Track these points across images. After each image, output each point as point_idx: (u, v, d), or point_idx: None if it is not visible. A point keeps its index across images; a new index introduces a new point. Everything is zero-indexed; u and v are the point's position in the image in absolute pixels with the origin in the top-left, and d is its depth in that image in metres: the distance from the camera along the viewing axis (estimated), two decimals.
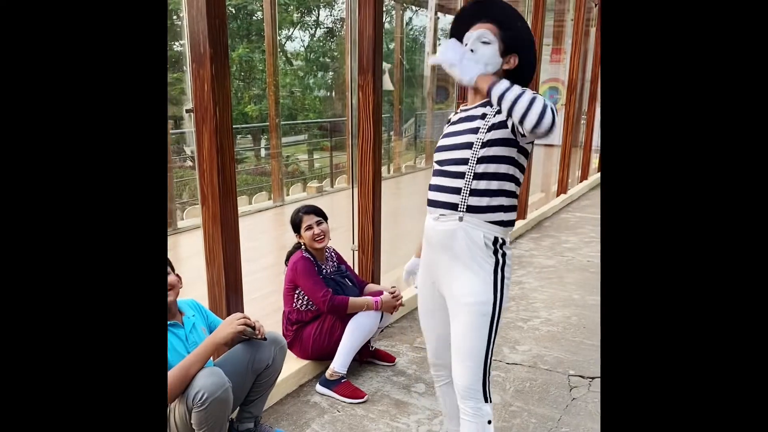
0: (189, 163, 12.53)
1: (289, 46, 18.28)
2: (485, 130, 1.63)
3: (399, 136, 11.49)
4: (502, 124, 1.61)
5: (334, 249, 2.98)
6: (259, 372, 2.17)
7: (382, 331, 3.00)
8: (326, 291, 2.69)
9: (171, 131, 7.10)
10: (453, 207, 1.67)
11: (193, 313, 2.15)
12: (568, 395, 2.68)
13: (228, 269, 2.29)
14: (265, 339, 2.11)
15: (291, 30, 17.90)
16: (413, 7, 13.93)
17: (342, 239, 3.47)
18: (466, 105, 1.78)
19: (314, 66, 18.30)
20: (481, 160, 1.63)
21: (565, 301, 3.94)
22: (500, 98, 1.50)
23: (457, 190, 1.66)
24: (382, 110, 3.21)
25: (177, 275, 2.05)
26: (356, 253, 3.49)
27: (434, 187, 1.74)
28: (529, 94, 1.48)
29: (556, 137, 8.21)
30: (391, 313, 2.89)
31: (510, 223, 1.71)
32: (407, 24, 15.63)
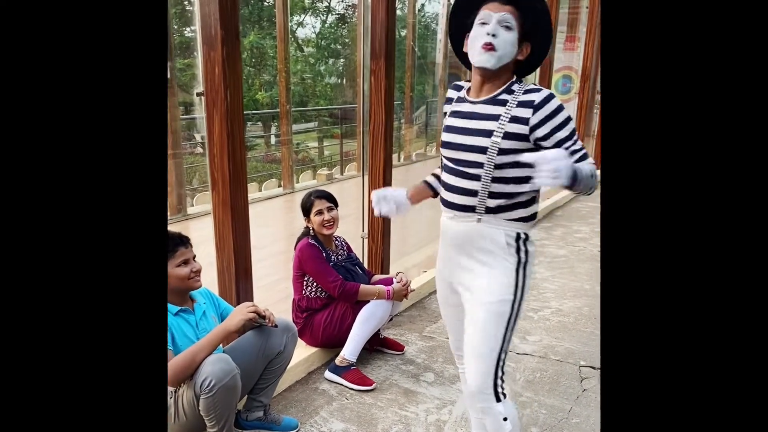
0: (199, 149, 12.57)
1: (300, 33, 18.21)
2: (500, 136, 1.53)
3: (410, 123, 11.43)
4: (517, 136, 1.52)
5: (344, 239, 2.96)
6: (270, 359, 2.16)
7: (391, 319, 2.98)
8: (336, 276, 2.67)
9: (181, 117, 7.10)
10: (470, 209, 1.62)
11: (204, 301, 2.14)
12: (579, 386, 2.66)
13: (238, 255, 2.28)
14: (276, 326, 2.10)
15: (302, 16, 17.82)
16: None
17: (351, 227, 3.45)
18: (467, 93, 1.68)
19: (325, 53, 18.22)
20: (499, 166, 1.55)
21: (577, 291, 3.91)
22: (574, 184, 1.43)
23: (473, 193, 1.60)
24: (394, 96, 3.18)
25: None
26: (366, 240, 3.48)
27: (448, 187, 1.66)
28: (588, 168, 1.46)
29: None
30: (401, 301, 2.87)
31: (531, 218, 1.64)
32: (419, 11, 15.49)
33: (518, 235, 1.61)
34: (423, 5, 16.37)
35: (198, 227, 6.07)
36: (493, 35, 1.51)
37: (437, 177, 1.83)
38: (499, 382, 1.67)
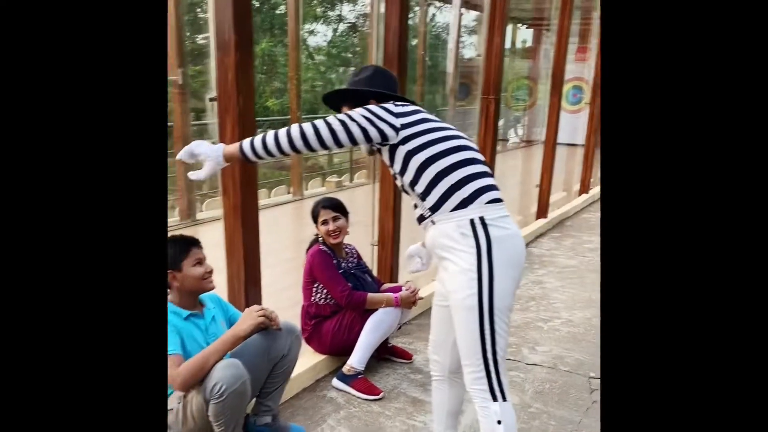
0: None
1: (311, 41, 18.30)
2: (387, 158, 1.75)
3: None
4: (380, 145, 1.72)
5: (354, 246, 2.95)
6: (275, 362, 2.16)
7: (400, 327, 2.97)
8: (345, 286, 2.67)
9: (192, 123, 7.14)
10: (422, 218, 1.74)
11: (214, 306, 2.14)
12: (589, 398, 2.63)
13: (248, 262, 2.27)
14: (280, 329, 2.10)
15: (314, 24, 17.91)
16: (437, 3, 13.86)
17: (360, 235, 3.45)
18: None
19: (336, 61, 18.29)
20: (399, 174, 1.73)
21: (587, 301, 3.88)
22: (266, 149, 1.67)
23: (415, 206, 1.77)
24: (407, 97, 3.17)
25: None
26: (375, 248, 3.47)
27: None
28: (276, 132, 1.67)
29: (580, 136, 8.11)
30: (410, 309, 2.86)
31: (471, 199, 1.64)
32: (430, 20, 15.54)
33: (471, 221, 1.62)
34: (434, 15, 16.43)
35: (207, 233, 6.08)
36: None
37: None
38: (494, 379, 1.64)
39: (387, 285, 2.98)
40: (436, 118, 1.77)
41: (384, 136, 1.68)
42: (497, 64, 4.21)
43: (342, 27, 18.78)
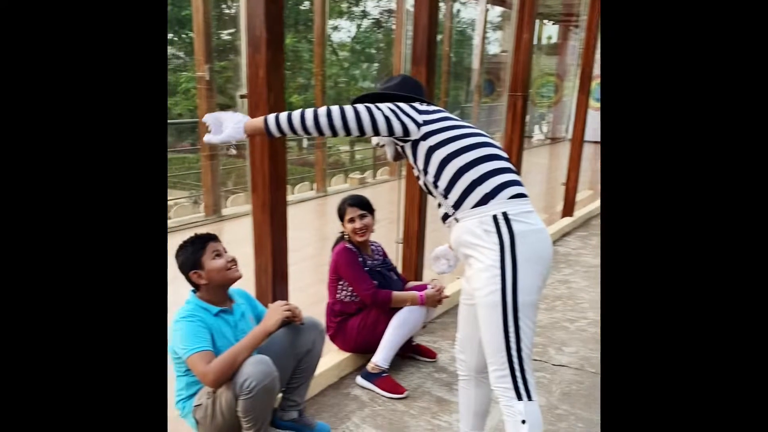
0: (233, 151, 12.71)
1: (335, 37, 18.32)
2: (410, 155, 1.76)
3: None
4: (403, 141, 1.74)
5: (379, 244, 2.94)
6: (299, 357, 2.16)
7: (425, 326, 2.95)
8: (370, 284, 2.66)
9: None
10: (447, 217, 1.74)
11: (242, 302, 2.15)
12: None
13: (276, 258, 2.28)
14: (302, 323, 2.10)
15: (338, 20, 17.93)
16: None
17: (384, 232, 3.44)
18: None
19: (360, 57, 18.30)
20: (422, 172, 1.74)
21: None
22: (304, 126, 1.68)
23: (439, 205, 1.76)
24: (433, 101, 3.15)
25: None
26: (400, 246, 3.45)
27: None
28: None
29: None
30: (435, 307, 2.85)
31: (493, 194, 1.63)
32: (455, 16, 15.45)
33: (494, 217, 1.60)
34: (459, 11, 16.34)
35: (232, 229, 6.13)
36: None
37: None
38: (519, 377, 1.62)
39: (412, 283, 2.97)
40: (458, 118, 1.78)
41: (406, 131, 1.69)
42: (525, 61, 4.17)
43: (366, 23, 18.77)
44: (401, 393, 2.59)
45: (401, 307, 2.70)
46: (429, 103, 1.84)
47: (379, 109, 1.68)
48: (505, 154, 1.74)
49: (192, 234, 2.07)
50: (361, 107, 1.67)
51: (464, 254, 1.70)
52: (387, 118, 1.67)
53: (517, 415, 1.62)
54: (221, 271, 2.01)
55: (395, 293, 2.70)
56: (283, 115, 1.69)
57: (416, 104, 1.75)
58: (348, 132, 1.67)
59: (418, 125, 1.69)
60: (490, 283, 1.59)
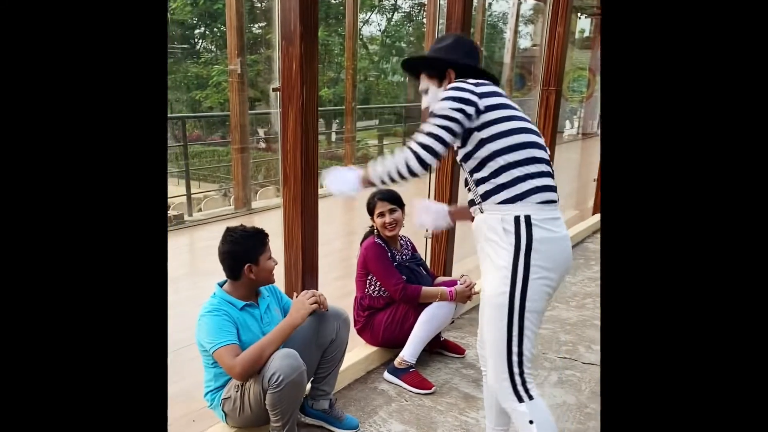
0: (262, 144, 12.80)
1: (365, 30, 18.31)
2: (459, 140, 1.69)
3: None
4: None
5: (408, 238, 2.93)
6: (324, 348, 2.17)
7: (452, 322, 2.93)
8: (399, 279, 2.65)
9: (249, 112, 7.25)
10: (472, 203, 1.72)
11: (268, 295, 2.16)
12: None
13: (306, 252, 2.28)
14: (326, 310, 2.10)
15: (369, 14, 17.92)
16: None
17: (413, 226, 3.42)
18: None
19: (391, 50, 18.27)
20: (465, 157, 1.68)
21: None
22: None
23: (468, 188, 1.74)
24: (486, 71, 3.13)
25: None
26: (429, 241, 3.44)
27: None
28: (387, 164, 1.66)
29: None
30: (465, 303, 2.83)
31: (521, 197, 1.59)
32: (487, 9, 15.31)
33: (516, 218, 1.58)
34: (491, 4, 16.18)
35: (261, 222, 6.17)
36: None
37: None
38: (518, 380, 1.61)
39: (441, 278, 2.95)
40: (513, 104, 1.70)
41: (470, 118, 1.61)
42: (559, 55, 4.11)
43: (397, 16, 18.72)
44: (429, 389, 2.59)
45: (430, 303, 2.69)
46: (485, 74, 1.78)
47: (441, 127, 1.60)
48: (547, 155, 1.71)
49: (251, 226, 2.07)
50: (425, 139, 1.60)
51: (480, 246, 1.70)
52: (451, 131, 1.60)
53: (524, 416, 1.62)
54: (269, 273, 2.03)
55: (424, 288, 2.69)
56: (379, 173, 1.68)
57: (472, 84, 1.64)
58: (437, 161, 1.64)
59: (479, 112, 1.61)
60: (499, 284, 1.59)
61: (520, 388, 1.61)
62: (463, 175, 1.77)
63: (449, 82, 1.74)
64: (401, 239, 2.86)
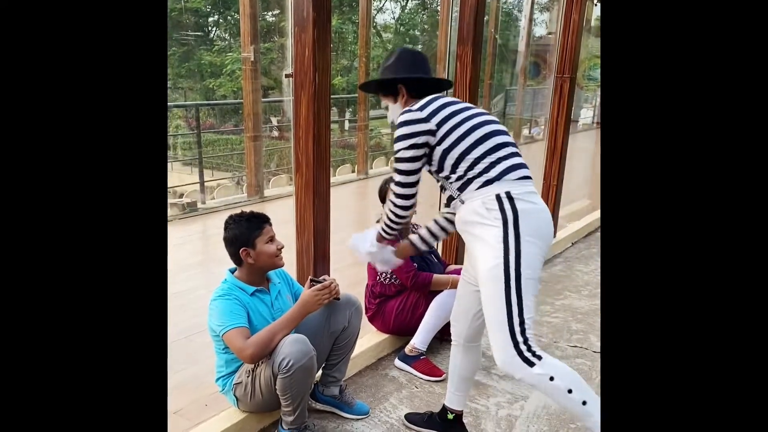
0: (275, 132, 12.82)
1: (379, 18, 18.22)
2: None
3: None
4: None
5: (421, 225, 2.93)
6: (336, 335, 2.18)
7: None
8: (411, 266, 2.66)
9: (262, 100, 7.25)
10: (452, 199, 1.78)
11: (279, 281, 2.17)
12: None
13: (318, 238, 2.29)
14: (338, 299, 2.11)
15: (383, 1, 17.81)
16: None
17: (425, 214, 3.41)
18: None
19: (405, 38, 18.16)
20: (435, 173, 1.80)
21: None
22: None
23: (442, 188, 1.83)
24: (478, 82, 3.11)
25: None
26: None
27: None
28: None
29: None
30: None
31: (498, 177, 1.67)
32: None
33: (498, 195, 1.64)
34: None
35: (274, 210, 6.20)
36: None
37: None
38: (523, 348, 1.62)
39: (452, 266, 2.95)
40: (462, 104, 1.79)
41: (427, 143, 1.74)
42: (574, 42, 4.06)
43: (411, 4, 18.59)
44: (439, 376, 2.60)
45: (441, 290, 2.69)
46: (429, 81, 1.92)
47: (402, 160, 1.74)
48: (511, 139, 1.78)
49: (248, 210, 2.08)
50: (396, 189, 1.79)
51: (469, 233, 1.74)
52: (413, 171, 1.75)
53: (543, 377, 1.62)
54: (271, 257, 2.03)
55: (435, 276, 2.70)
56: (383, 228, 1.96)
57: (416, 112, 1.74)
58: (413, 191, 1.80)
59: (434, 133, 1.73)
60: (493, 257, 1.63)
61: (527, 354, 1.62)
62: (438, 182, 1.85)
63: (403, 96, 1.90)
64: (413, 227, 2.86)
